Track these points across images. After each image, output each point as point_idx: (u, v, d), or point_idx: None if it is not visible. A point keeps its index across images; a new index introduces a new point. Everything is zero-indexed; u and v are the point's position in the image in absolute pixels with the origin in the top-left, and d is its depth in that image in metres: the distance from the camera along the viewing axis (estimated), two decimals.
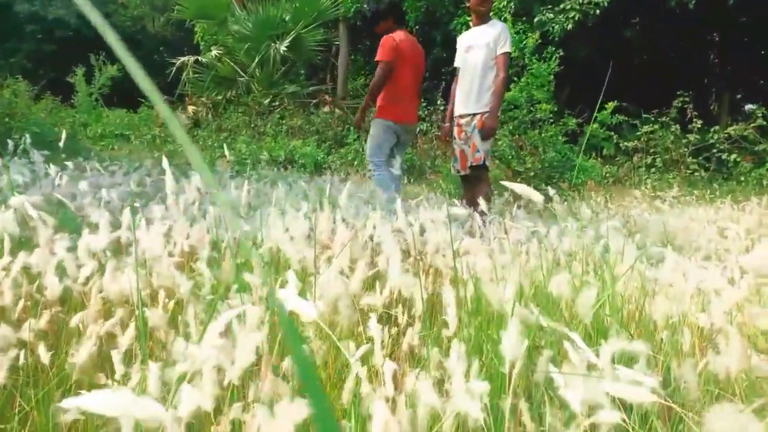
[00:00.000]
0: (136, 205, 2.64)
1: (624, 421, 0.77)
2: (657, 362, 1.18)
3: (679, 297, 1.45)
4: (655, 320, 1.24)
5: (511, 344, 0.73)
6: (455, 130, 3.93)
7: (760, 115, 8.07)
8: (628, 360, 1.02)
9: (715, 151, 8.29)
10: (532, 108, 6.75)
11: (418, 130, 3.76)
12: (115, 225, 1.76)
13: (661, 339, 1.21)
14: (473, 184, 3.92)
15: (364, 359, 0.98)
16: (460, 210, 1.53)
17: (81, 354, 0.98)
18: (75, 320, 1.28)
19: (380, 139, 3.89)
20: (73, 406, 0.41)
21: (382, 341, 0.98)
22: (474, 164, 3.83)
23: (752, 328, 1.50)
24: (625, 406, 0.93)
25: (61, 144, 3.21)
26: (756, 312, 1.44)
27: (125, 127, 10.71)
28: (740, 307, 1.57)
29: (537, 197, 0.92)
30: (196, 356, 0.60)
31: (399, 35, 3.82)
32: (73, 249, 1.41)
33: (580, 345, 0.77)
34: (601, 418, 0.76)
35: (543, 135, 6.43)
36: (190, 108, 11.13)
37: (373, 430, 0.79)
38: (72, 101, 12.50)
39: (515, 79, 7.00)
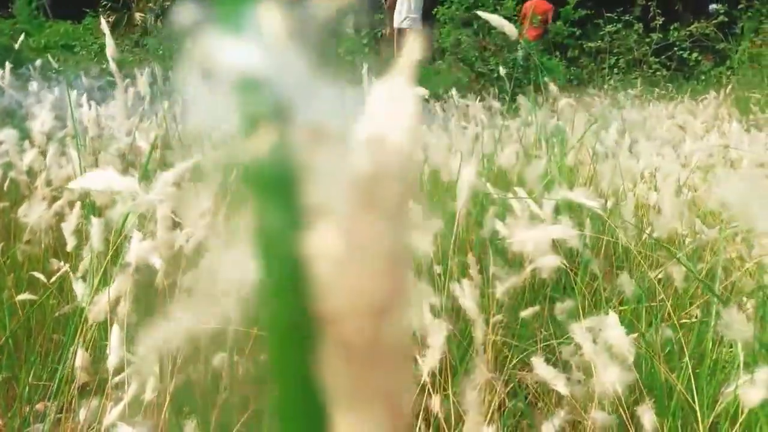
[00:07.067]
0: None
1: (564, 264, 0.81)
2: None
3: (628, 173, 1.49)
4: (602, 189, 1.28)
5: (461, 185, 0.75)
6: None
7: (722, 12, 8.02)
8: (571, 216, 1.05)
9: (676, 49, 8.27)
10: (497, 7, 6.54)
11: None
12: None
13: (606, 202, 1.26)
14: None
15: None
16: None
17: (33, 212, 0.97)
18: (22, 210, 1.25)
19: None
20: (79, 186, 0.55)
21: None
22: None
23: (701, 207, 1.56)
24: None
25: (17, 46, 3.02)
26: (706, 190, 1.50)
27: (70, 37, 10.04)
28: (689, 186, 1.62)
29: (509, 27, 0.98)
30: (146, 199, 0.59)
31: None
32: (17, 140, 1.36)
33: (522, 195, 0.79)
34: (543, 263, 0.80)
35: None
36: (138, 15, 10.48)
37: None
38: (10, 9, 11.58)
39: None
